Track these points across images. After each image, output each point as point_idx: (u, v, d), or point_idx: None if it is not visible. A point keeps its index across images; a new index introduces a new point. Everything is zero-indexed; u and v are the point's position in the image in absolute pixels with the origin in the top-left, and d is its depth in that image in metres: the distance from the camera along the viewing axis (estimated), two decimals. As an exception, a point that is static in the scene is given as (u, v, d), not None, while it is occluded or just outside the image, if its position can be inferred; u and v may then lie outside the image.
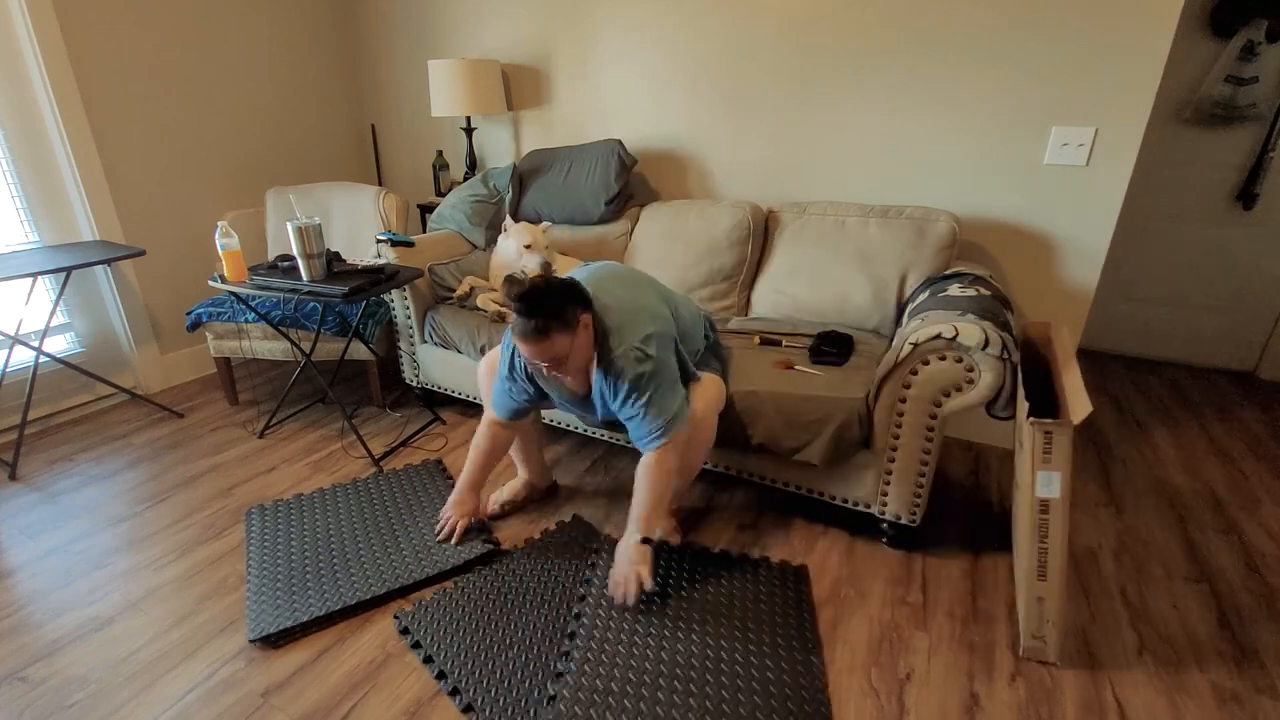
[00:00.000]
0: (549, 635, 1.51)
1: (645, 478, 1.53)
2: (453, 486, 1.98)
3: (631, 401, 1.48)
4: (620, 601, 1.53)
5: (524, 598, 1.62)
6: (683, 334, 1.65)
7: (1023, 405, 1.38)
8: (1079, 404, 1.31)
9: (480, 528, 1.83)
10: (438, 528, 1.81)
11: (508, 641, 1.49)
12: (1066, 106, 1.95)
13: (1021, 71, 1.98)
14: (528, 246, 2.27)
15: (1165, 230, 3.01)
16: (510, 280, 1.41)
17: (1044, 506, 1.33)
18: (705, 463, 1.92)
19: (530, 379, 1.65)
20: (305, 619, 1.54)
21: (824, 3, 2.20)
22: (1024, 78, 1.98)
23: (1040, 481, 1.32)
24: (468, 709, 1.33)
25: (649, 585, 1.52)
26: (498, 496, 1.96)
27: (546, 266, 2.23)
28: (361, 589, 1.63)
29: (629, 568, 1.53)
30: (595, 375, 1.55)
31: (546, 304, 1.37)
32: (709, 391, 1.65)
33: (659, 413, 1.48)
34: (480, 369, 1.84)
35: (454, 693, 1.37)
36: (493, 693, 1.36)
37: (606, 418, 1.64)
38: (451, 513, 1.80)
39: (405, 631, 1.53)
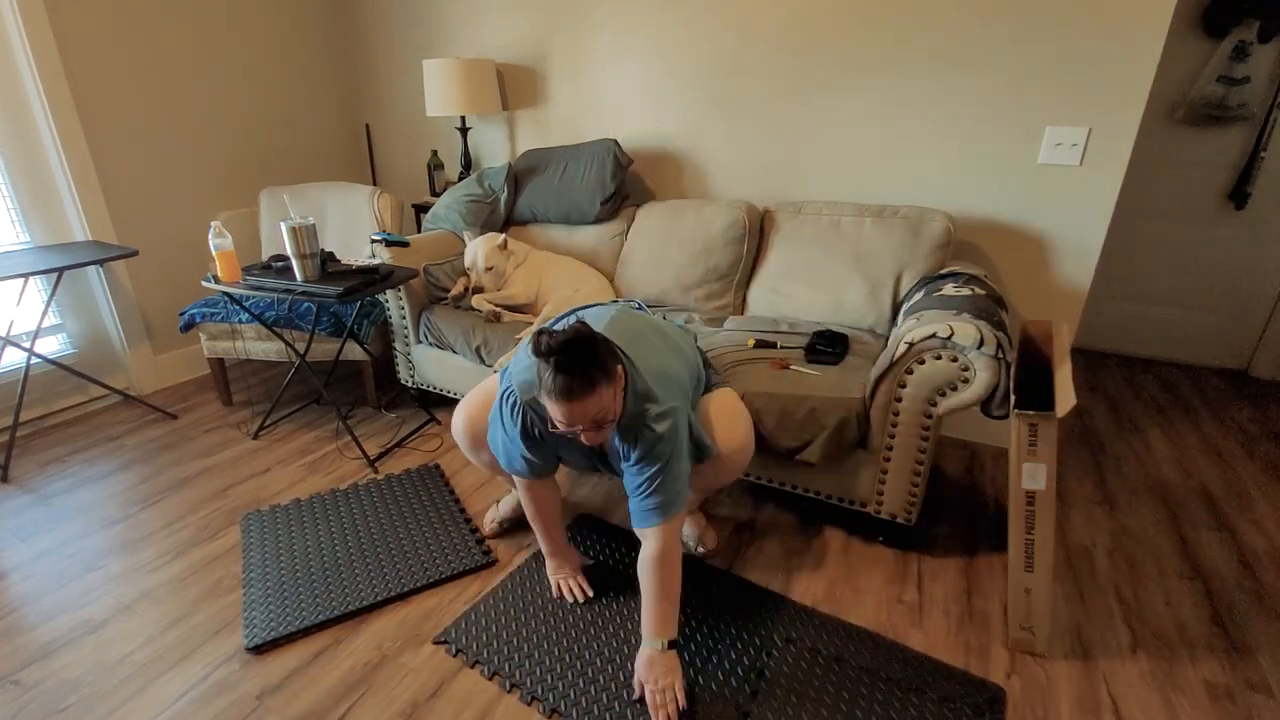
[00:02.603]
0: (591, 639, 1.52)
1: (653, 574, 1.34)
2: (450, 491, 2.06)
3: (640, 469, 1.33)
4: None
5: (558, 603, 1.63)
6: (692, 384, 1.51)
7: (1011, 396, 1.38)
8: (1065, 398, 1.32)
9: (478, 541, 1.83)
10: (556, 594, 1.63)
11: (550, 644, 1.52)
12: (1060, 107, 1.96)
13: (1015, 72, 1.98)
14: (489, 268, 2.38)
15: (1158, 230, 3.02)
16: (542, 334, 1.19)
17: (1030, 498, 1.34)
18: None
19: (540, 436, 1.45)
20: (303, 626, 1.54)
21: (819, 4, 2.20)
22: (1018, 78, 1.99)
23: (1026, 473, 1.32)
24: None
25: (682, 704, 1.32)
26: (494, 515, 1.89)
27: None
28: (354, 597, 1.63)
29: (662, 682, 1.32)
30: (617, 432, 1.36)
31: (593, 354, 1.18)
32: (736, 417, 1.54)
33: (662, 487, 1.33)
34: (458, 423, 1.64)
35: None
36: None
37: (619, 471, 1.47)
38: (561, 578, 1.65)
39: (442, 641, 1.51)
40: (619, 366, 1.26)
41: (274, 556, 1.77)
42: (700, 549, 1.79)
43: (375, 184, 3.59)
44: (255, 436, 2.44)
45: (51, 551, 1.82)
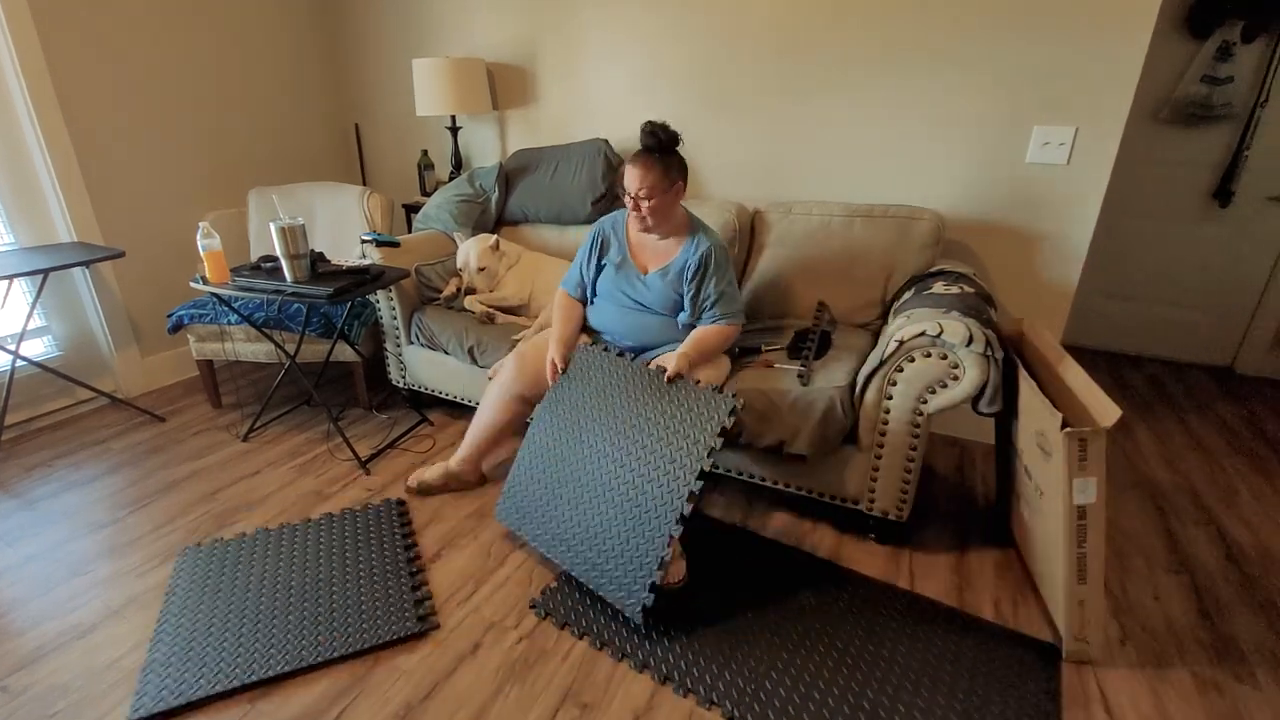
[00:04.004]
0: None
1: (703, 335, 1.77)
2: (405, 534, 1.86)
3: (716, 280, 1.76)
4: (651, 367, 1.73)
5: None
6: None
7: (1054, 415, 1.37)
8: (1104, 407, 1.33)
9: (417, 602, 1.61)
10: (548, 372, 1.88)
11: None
12: (1047, 106, 1.97)
13: (1003, 73, 2.00)
14: (481, 269, 2.38)
15: (1144, 228, 3.06)
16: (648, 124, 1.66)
17: (1081, 513, 1.34)
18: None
19: (598, 262, 1.92)
20: (203, 695, 1.36)
21: (808, 5, 2.21)
22: (1006, 79, 2.00)
23: (1077, 488, 1.32)
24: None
25: (670, 374, 1.66)
26: (419, 475, 2.04)
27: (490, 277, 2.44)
28: (279, 659, 1.44)
29: (666, 360, 1.71)
30: (684, 246, 1.79)
31: (668, 145, 1.67)
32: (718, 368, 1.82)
33: (732, 300, 1.78)
34: (511, 355, 2.00)
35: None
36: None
37: (657, 298, 1.83)
38: (555, 354, 1.87)
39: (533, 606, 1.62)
40: (680, 179, 1.71)
41: (194, 607, 1.59)
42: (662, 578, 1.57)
43: (365, 184, 3.57)
44: (245, 439, 2.42)
45: (38, 556, 1.80)
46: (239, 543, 1.83)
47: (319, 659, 1.45)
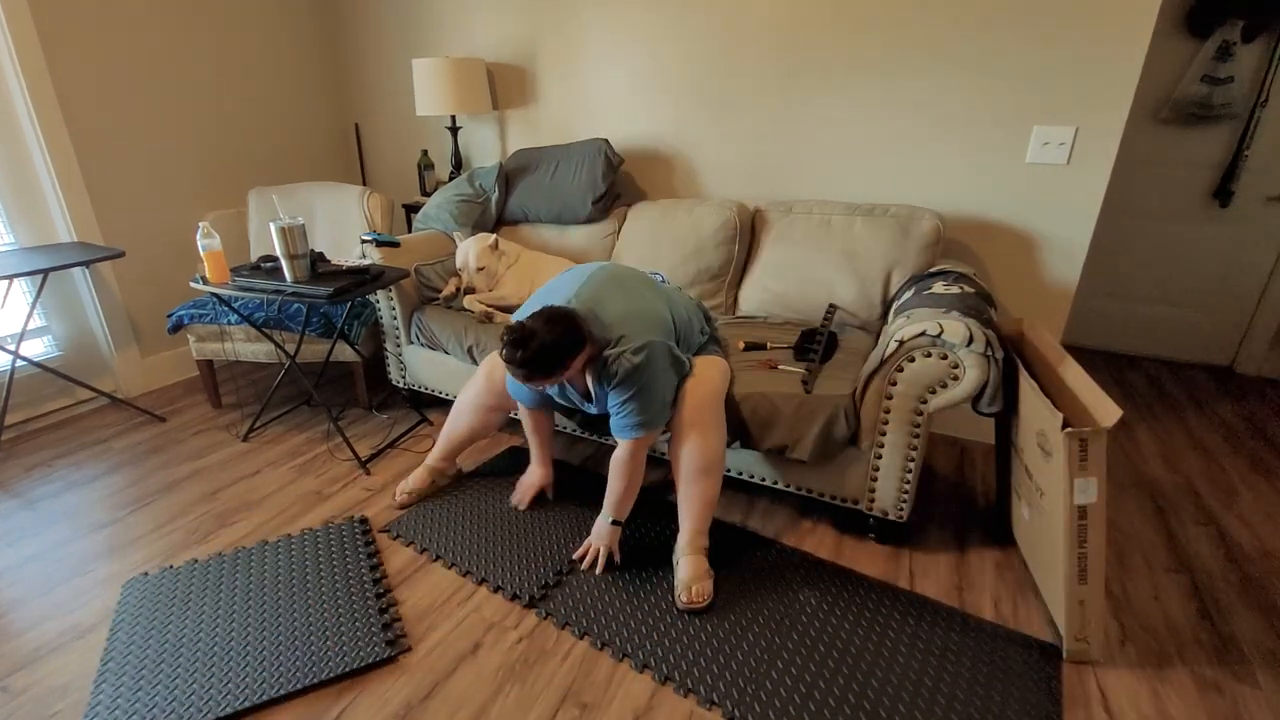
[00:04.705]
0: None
1: (618, 468, 1.66)
2: (373, 547, 1.81)
3: (617, 393, 1.56)
4: (586, 568, 1.73)
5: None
6: (680, 334, 1.69)
7: (1055, 415, 1.37)
8: (1105, 407, 1.32)
9: (385, 626, 1.54)
10: (514, 499, 1.99)
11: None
12: (1047, 106, 1.97)
13: (1003, 73, 2.00)
14: (480, 269, 2.38)
15: (1144, 227, 3.05)
16: (506, 336, 1.44)
17: (1082, 513, 1.34)
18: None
19: None
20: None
21: (808, 6, 2.21)
22: (1005, 79, 2.00)
23: (1078, 489, 1.32)
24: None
25: (616, 559, 1.74)
26: (404, 487, 2.02)
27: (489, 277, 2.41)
28: (237, 696, 1.35)
29: (599, 542, 1.73)
30: (590, 381, 1.62)
31: (538, 362, 1.43)
32: (710, 375, 1.67)
33: (639, 409, 1.56)
34: (482, 369, 1.97)
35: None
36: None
37: (603, 412, 1.68)
38: (528, 483, 2.00)
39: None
40: (581, 347, 1.47)
41: (141, 642, 1.49)
42: (683, 598, 1.58)
43: (365, 184, 3.57)
44: (245, 439, 2.42)
45: (38, 556, 1.80)
46: (191, 566, 1.73)
47: (285, 690, 1.36)
